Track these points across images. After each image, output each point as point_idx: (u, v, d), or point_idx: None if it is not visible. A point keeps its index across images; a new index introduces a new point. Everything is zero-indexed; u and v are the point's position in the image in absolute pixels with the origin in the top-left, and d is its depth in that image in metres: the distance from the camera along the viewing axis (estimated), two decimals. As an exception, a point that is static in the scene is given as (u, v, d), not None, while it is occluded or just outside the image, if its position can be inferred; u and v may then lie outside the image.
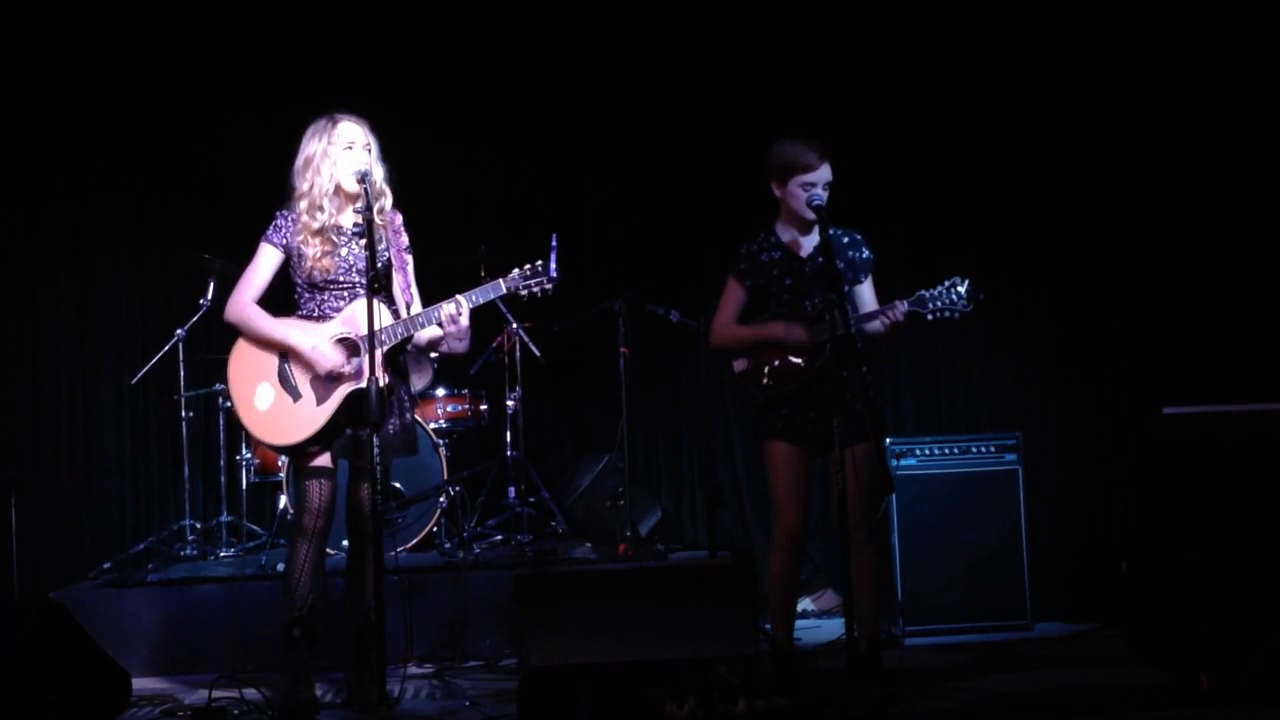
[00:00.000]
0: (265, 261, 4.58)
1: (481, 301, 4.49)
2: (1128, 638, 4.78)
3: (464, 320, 4.46)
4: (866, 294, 4.71)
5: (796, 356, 4.57)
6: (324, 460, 4.52)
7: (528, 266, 4.48)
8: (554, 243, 4.55)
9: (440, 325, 4.47)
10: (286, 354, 4.52)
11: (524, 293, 4.48)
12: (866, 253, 4.73)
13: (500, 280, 4.48)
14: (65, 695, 4.24)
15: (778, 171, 4.62)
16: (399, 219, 4.65)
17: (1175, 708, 4.26)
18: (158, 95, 6.67)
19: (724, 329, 4.73)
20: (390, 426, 4.52)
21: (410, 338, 4.54)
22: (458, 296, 4.47)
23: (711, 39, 6.66)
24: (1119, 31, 6.15)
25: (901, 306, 4.51)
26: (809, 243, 4.68)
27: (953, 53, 6.38)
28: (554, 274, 4.48)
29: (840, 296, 4.34)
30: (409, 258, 4.65)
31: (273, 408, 4.50)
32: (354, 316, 4.50)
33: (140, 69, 6.64)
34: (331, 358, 4.46)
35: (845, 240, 4.72)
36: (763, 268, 4.68)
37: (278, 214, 4.60)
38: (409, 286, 4.62)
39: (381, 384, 4.24)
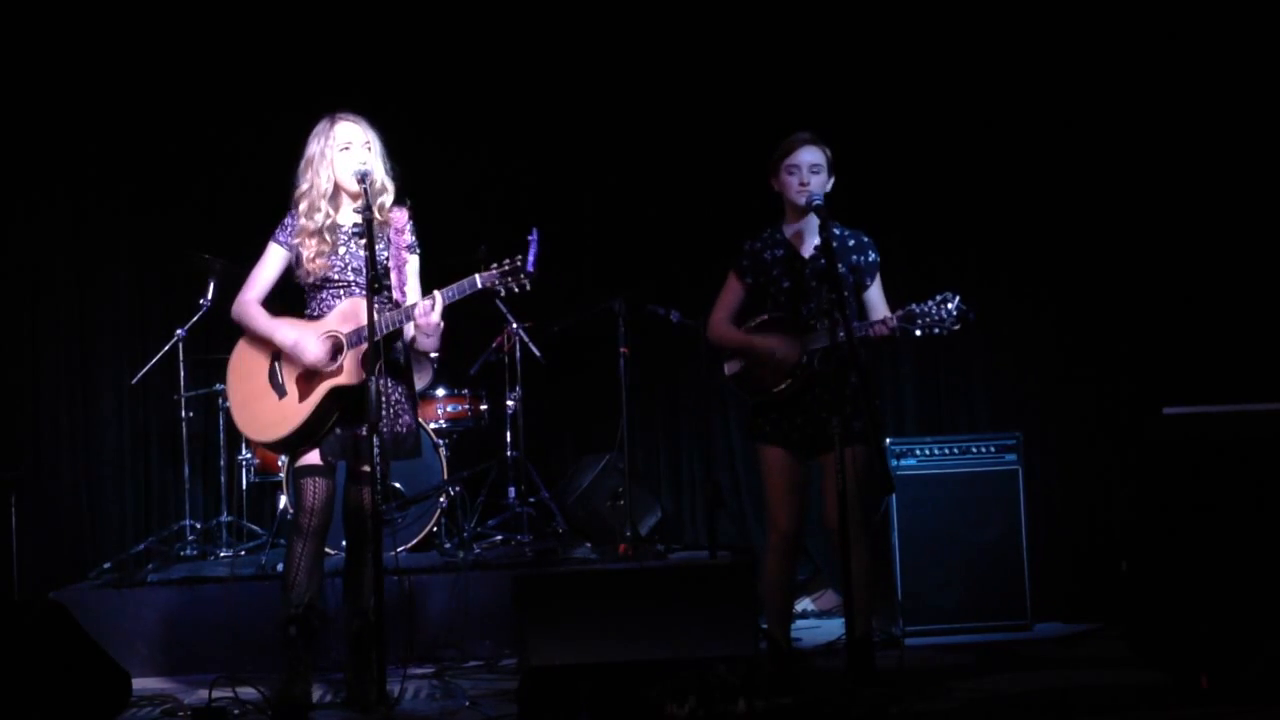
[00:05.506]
0: (270, 260, 4.59)
1: (457, 297, 4.37)
2: (1128, 638, 4.77)
3: (435, 316, 4.34)
4: (875, 298, 4.62)
5: (781, 371, 4.50)
6: (316, 458, 4.51)
7: (506, 262, 4.34)
8: (532, 236, 4.49)
9: (413, 319, 4.38)
10: (279, 352, 4.53)
11: (501, 289, 4.33)
12: (873, 255, 4.63)
13: (475, 276, 4.35)
14: (65, 695, 4.24)
15: (771, 163, 4.59)
16: (403, 217, 4.61)
17: (1175, 708, 4.26)
18: (158, 95, 6.66)
19: (717, 326, 4.68)
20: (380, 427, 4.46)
21: (399, 333, 4.50)
22: (434, 291, 4.38)
23: (712, 39, 6.66)
24: (1119, 31, 6.15)
25: (891, 321, 4.44)
26: (811, 242, 4.59)
27: (953, 53, 6.38)
28: (531, 269, 4.32)
29: (840, 299, 4.23)
30: (410, 256, 4.61)
31: (259, 404, 4.52)
32: (345, 313, 4.49)
33: (140, 69, 6.63)
34: (312, 351, 4.44)
35: (851, 242, 4.63)
36: (764, 266, 4.62)
37: (288, 214, 4.61)
38: (403, 284, 4.55)
39: (360, 379, 4.22)
